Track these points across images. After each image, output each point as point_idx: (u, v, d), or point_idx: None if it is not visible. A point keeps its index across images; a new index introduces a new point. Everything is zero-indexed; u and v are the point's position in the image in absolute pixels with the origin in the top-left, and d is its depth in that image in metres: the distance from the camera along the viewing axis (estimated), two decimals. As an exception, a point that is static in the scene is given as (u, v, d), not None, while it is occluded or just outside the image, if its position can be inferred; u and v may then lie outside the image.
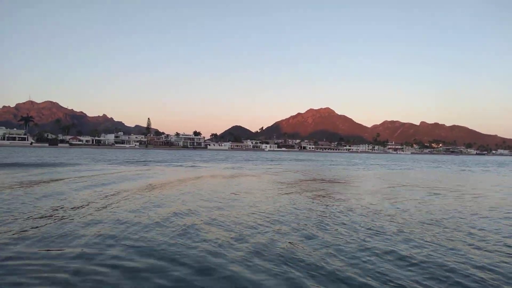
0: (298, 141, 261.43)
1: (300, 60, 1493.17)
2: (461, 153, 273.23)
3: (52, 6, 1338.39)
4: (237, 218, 10.33)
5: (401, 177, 29.25)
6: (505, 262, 6.82)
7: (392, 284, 5.68)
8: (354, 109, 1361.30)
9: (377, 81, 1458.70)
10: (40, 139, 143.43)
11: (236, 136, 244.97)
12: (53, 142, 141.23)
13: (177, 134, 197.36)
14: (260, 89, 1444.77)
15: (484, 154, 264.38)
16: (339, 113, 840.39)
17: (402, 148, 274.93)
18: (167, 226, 9.10)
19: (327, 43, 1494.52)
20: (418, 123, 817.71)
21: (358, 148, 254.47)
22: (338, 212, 11.79)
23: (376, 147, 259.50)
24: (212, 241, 7.83)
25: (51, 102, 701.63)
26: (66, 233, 8.13)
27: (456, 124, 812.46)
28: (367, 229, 9.29)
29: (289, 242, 7.86)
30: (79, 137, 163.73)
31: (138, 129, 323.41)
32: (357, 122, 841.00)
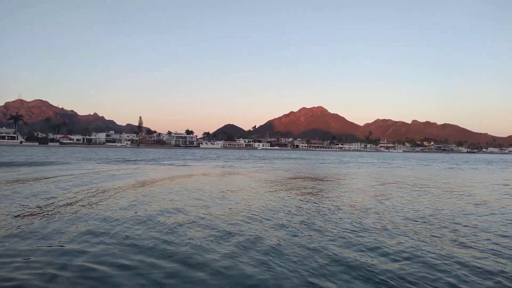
0: (291, 139, 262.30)
1: (294, 60, 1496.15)
2: (452, 151, 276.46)
3: (45, 6, 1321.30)
4: (225, 216, 10.38)
5: (391, 175, 29.55)
6: (486, 258, 6.97)
7: (376, 279, 5.78)
8: (346, 108, 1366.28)
9: (370, 80, 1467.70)
10: (30, 138, 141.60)
11: (228, 134, 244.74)
12: (43, 141, 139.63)
13: (169, 133, 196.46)
14: (253, 88, 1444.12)
15: (475, 152, 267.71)
16: (332, 112, 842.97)
17: (394, 147, 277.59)
18: (155, 224, 9.11)
19: (322, 43, 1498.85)
20: (410, 122, 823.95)
21: (351, 146, 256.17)
22: (326, 209, 11.90)
23: (369, 146, 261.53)
24: (198, 238, 7.87)
25: (41, 100, 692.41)
26: (52, 231, 8.10)
27: (448, 122, 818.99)
28: (353, 225, 9.41)
29: (277, 240, 7.93)
30: (69, 136, 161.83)
31: (129, 128, 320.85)
32: (349, 120, 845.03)
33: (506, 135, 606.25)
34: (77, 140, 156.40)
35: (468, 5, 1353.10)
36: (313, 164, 45.87)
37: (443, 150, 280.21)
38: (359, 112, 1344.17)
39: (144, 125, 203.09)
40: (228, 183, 20.57)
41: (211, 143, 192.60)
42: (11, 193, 13.90)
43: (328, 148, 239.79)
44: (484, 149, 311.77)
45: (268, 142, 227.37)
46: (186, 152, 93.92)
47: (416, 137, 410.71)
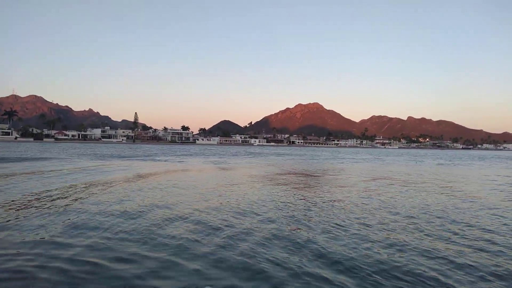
0: (287, 135, 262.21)
1: (290, 56, 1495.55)
2: (447, 147, 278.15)
3: (38, 1, 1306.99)
4: (216, 212, 10.47)
5: (385, 171, 29.75)
6: (471, 253, 7.12)
7: (361, 274, 5.91)
8: (342, 104, 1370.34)
9: (365, 77, 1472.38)
10: (24, 133, 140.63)
11: (224, 130, 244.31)
12: (38, 137, 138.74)
13: (165, 129, 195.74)
14: (249, 84, 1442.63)
15: (470, 149, 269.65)
16: (328, 108, 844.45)
17: (390, 143, 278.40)
18: (144, 219, 9.18)
19: (318, 39, 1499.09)
20: (405, 118, 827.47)
21: (347, 142, 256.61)
22: (316, 204, 12.03)
23: (364, 142, 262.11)
24: (186, 233, 7.95)
25: (35, 96, 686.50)
26: (43, 224, 8.16)
27: (443, 119, 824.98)
28: (342, 220, 9.53)
29: (266, 233, 8.03)
30: (64, 131, 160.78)
31: (125, 124, 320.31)
32: (345, 117, 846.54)
33: (500, 132, 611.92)
34: (72, 136, 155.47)
35: (463, 2, 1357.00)
36: (309, 160, 46.03)
37: (439, 146, 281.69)
38: (355, 108, 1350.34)
39: (140, 121, 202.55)
40: (222, 178, 20.64)
41: (207, 139, 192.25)
42: (3, 188, 13.91)
43: (324, 144, 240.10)
44: (479, 146, 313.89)
45: (264, 138, 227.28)
46: (181, 148, 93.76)
47: (411, 134, 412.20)
